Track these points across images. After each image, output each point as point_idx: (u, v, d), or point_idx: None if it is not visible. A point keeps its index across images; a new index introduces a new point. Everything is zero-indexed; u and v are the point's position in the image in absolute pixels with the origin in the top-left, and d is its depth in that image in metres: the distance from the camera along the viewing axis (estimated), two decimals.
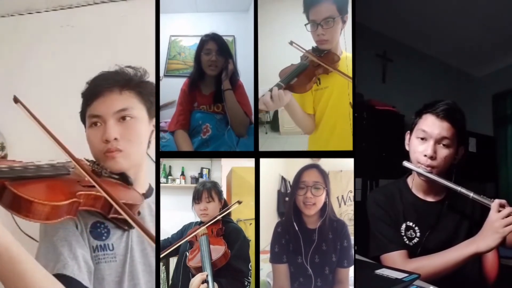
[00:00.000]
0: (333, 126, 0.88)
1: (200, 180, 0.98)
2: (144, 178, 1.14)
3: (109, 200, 0.87)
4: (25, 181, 0.86)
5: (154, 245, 0.80)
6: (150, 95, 1.09)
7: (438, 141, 1.26)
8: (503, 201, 1.16)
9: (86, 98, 1.10)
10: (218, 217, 0.90)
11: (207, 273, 0.84)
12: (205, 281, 0.83)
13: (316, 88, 0.90)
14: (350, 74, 0.84)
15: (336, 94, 0.88)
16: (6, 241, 0.75)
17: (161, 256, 0.84)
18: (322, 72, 0.89)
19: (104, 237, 0.99)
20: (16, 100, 0.95)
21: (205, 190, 0.92)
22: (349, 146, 0.83)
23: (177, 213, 0.91)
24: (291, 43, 0.87)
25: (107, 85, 1.07)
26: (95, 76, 1.13)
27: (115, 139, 1.03)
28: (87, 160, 1.03)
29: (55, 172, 0.94)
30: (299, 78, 0.87)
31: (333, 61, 0.88)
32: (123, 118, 1.06)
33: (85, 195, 0.91)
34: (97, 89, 1.08)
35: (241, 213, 0.88)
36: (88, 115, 1.08)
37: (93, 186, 0.89)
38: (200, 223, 0.91)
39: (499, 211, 1.14)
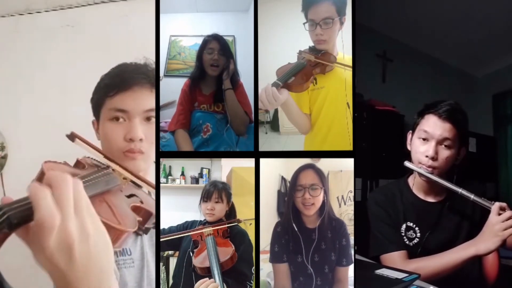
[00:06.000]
0: (329, 126, 0.88)
1: (204, 180, 0.98)
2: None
3: (150, 210, 0.77)
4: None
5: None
6: None
7: (439, 142, 1.26)
8: (504, 204, 1.16)
9: (108, 87, 0.99)
10: (233, 223, 0.89)
11: (217, 275, 0.84)
12: None
13: (312, 88, 0.89)
14: (347, 76, 0.84)
15: (333, 94, 0.87)
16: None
17: (161, 240, 0.80)
18: (319, 72, 0.88)
19: None
20: (73, 137, 0.78)
21: (216, 191, 0.91)
22: (345, 146, 0.83)
23: (177, 213, 0.91)
24: (300, 53, 0.86)
25: (138, 78, 0.97)
26: (122, 64, 1.03)
27: (141, 140, 0.96)
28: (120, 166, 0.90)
29: (108, 185, 0.74)
30: (296, 77, 0.87)
31: (329, 61, 0.89)
32: (148, 118, 0.99)
33: (134, 207, 0.77)
34: (126, 80, 0.97)
35: (241, 213, 0.89)
36: (109, 107, 0.98)
37: (132, 196, 0.80)
38: (205, 223, 0.91)
39: (500, 214, 1.14)
